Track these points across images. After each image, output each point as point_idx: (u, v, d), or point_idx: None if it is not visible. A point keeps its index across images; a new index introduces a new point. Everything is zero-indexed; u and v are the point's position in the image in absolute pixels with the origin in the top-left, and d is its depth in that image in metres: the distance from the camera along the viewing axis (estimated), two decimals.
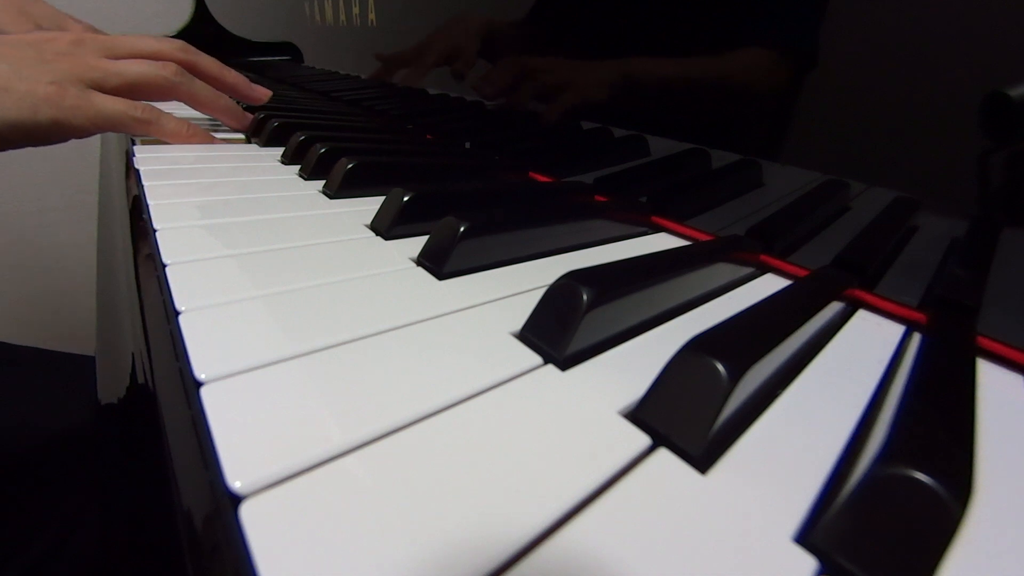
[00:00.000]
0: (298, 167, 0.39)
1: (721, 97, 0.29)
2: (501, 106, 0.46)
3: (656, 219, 0.33)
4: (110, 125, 0.39)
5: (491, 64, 0.46)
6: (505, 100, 0.46)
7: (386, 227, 0.27)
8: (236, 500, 0.11)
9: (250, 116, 0.51)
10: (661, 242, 0.32)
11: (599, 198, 0.36)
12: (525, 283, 0.23)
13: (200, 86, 0.46)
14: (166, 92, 0.43)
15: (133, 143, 0.41)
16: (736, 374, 0.13)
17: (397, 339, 0.17)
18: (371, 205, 0.30)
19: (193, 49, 0.48)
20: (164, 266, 0.21)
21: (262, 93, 0.56)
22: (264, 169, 0.38)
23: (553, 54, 0.40)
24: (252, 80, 0.54)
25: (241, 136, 0.50)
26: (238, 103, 0.53)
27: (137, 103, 0.40)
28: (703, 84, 0.30)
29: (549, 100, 0.41)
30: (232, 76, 0.51)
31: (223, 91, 0.49)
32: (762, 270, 0.28)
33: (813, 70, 0.25)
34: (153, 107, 0.41)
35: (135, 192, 0.31)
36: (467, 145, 0.50)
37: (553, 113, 0.41)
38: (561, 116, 0.41)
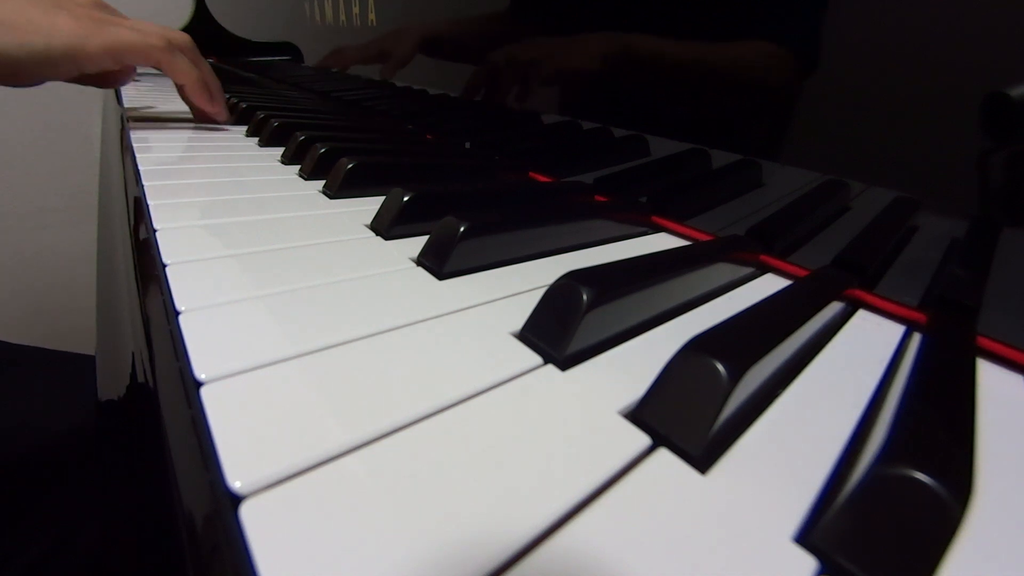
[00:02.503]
0: (298, 167, 0.39)
1: (718, 88, 0.29)
2: (501, 106, 0.46)
3: (656, 219, 0.33)
4: (124, 52, 0.42)
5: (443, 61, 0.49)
6: (500, 96, 0.46)
7: (386, 227, 0.27)
8: (236, 500, 0.11)
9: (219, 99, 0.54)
10: (661, 242, 0.32)
11: (599, 198, 0.36)
12: (525, 283, 0.23)
13: (182, 58, 0.49)
14: (150, 59, 0.46)
15: (132, 144, 0.41)
16: (736, 374, 0.13)
17: (397, 339, 0.17)
18: (371, 205, 0.30)
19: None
20: (164, 266, 0.21)
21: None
22: (264, 169, 0.38)
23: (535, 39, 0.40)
24: (247, 79, 0.56)
25: (242, 135, 0.50)
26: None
27: (152, 33, 0.44)
28: (699, 72, 0.30)
29: (534, 78, 0.42)
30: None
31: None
32: (762, 270, 0.28)
33: (812, 73, 0.25)
34: (171, 42, 0.45)
35: (135, 192, 0.31)
36: (467, 145, 0.50)
37: (538, 84, 0.41)
38: (549, 85, 0.41)
